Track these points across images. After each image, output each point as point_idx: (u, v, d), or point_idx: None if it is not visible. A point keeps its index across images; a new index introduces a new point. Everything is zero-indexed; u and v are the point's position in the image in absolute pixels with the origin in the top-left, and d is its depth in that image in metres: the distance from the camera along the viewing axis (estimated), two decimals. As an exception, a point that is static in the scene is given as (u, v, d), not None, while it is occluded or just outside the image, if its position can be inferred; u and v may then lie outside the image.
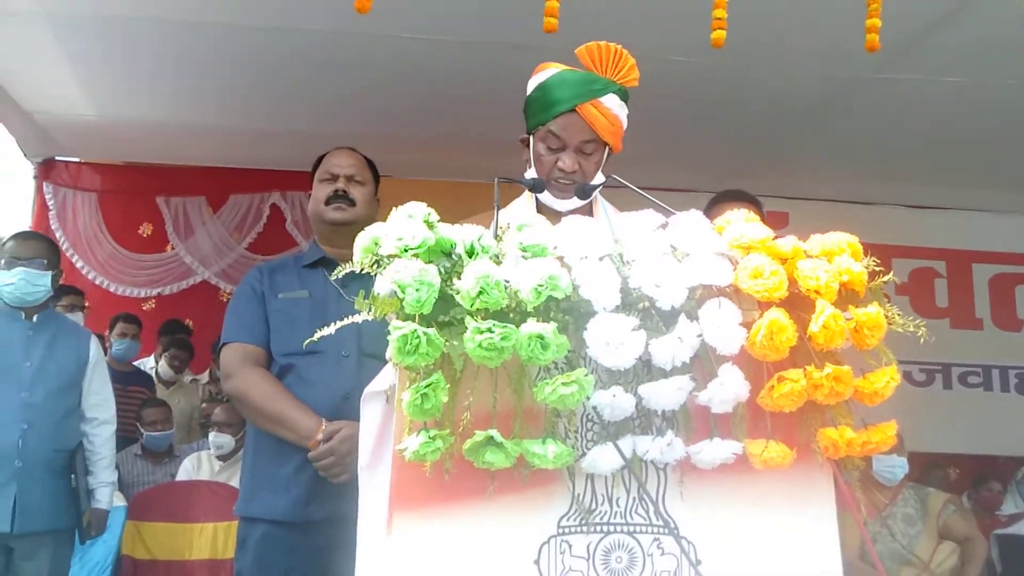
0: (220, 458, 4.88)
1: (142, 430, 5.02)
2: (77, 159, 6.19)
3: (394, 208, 1.58)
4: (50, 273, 3.55)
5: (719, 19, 2.27)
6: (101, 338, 4.42)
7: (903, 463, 3.99)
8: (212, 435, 4.89)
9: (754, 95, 4.56)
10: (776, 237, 1.64)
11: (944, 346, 6.13)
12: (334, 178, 2.63)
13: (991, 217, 6.56)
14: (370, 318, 1.52)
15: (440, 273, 1.47)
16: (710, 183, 4.60)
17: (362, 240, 1.55)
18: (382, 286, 1.50)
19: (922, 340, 1.58)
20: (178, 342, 5.93)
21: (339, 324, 1.54)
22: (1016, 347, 6.59)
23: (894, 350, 1.62)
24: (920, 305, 6.15)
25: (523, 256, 1.50)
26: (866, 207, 6.12)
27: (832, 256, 1.61)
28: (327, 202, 2.60)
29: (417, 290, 1.43)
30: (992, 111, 4.62)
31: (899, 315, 1.62)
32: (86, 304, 5.52)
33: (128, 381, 5.44)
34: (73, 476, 3.45)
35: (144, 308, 6.15)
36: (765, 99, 4.62)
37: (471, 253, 1.50)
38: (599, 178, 2.09)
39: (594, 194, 2.11)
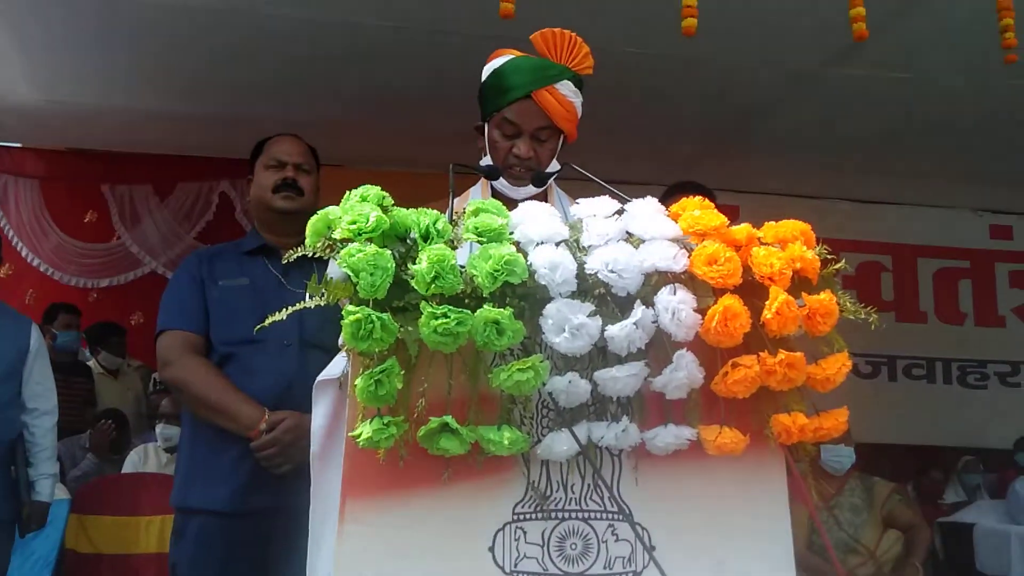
0: (167, 450, 4.79)
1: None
2: (19, 144, 6.04)
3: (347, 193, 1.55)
4: (-16, 260, 3.45)
5: (689, 6, 2.27)
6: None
7: (850, 453, 4.05)
8: (159, 427, 4.81)
9: (704, 87, 4.59)
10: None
11: (889, 339, 6.22)
12: (281, 165, 2.58)
13: (936, 212, 6.71)
14: (322, 303, 1.49)
15: (395, 258, 1.45)
16: (660, 175, 4.60)
17: (314, 223, 1.52)
18: (335, 270, 1.47)
19: (873, 327, 1.60)
20: (110, 330, 5.83)
21: (289, 310, 1.50)
22: (959, 340, 6.74)
23: (841, 342, 1.64)
24: (866, 298, 6.06)
25: (479, 240, 1.48)
26: (814, 201, 6.18)
27: (785, 243, 1.61)
28: (275, 190, 2.55)
29: (371, 274, 1.40)
30: (938, 106, 4.71)
31: (851, 302, 1.64)
32: None
33: (71, 372, 5.34)
34: (13, 467, 3.37)
35: (89, 300, 6.02)
36: (715, 92, 4.65)
37: (426, 237, 1.48)
38: (554, 166, 2.08)
39: (549, 182, 2.10)
